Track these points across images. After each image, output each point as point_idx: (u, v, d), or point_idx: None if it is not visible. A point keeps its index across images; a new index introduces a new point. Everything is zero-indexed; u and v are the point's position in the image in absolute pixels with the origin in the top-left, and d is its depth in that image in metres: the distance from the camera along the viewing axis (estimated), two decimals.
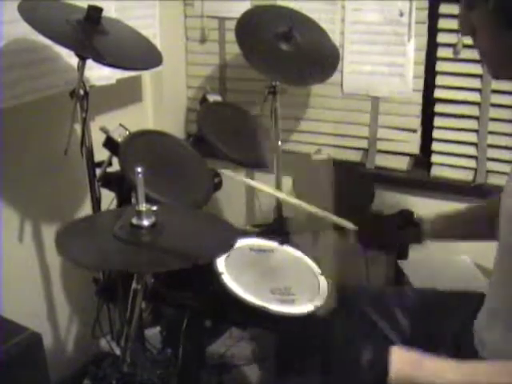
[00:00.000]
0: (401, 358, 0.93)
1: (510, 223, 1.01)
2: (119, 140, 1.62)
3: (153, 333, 1.83)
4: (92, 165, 1.67)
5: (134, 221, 1.16)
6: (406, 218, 1.37)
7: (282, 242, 1.61)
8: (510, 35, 0.93)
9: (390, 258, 2.07)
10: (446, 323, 1.22)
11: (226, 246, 1.21)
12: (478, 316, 1.14)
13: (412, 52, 2.00)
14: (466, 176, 2.02)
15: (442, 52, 1.97)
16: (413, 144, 2.09)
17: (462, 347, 1.13)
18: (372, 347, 0.93)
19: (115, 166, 1.66)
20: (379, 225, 1.44)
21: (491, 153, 1.97)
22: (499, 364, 0.92)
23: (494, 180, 1.97)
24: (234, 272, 1.42)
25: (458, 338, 1.15)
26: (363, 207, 1.96)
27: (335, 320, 0.98)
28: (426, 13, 1.96)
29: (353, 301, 1.29)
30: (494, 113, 1.94)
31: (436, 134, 2.05)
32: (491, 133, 1.96)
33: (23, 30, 1.45)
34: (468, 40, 1.89)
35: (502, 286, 1.06)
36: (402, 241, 1.50)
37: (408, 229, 1.36)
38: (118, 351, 1.67)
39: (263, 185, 1.46)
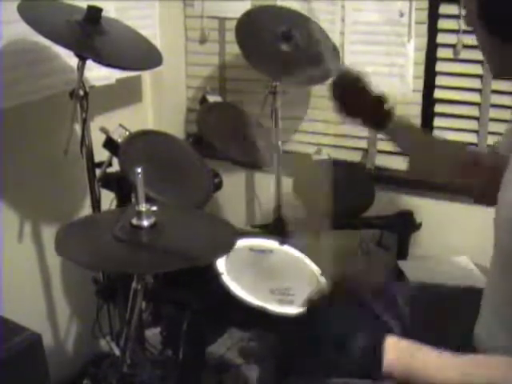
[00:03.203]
0: (395, 346, 0.90)
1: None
2: (119, 140, 1.62)
3: (153, 333, 1.83)
4: (92, 165, 1.67)
5: (134, 221, 1.16)
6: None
7: (282, 242, 1.61)
8: (500, 43, 0.93)
9: (390, 258, 2.07)
10: (448, 320, 1.21)
11: (226, 247, 1.21)
12: (479, 314, 1.14)
13: (412, 52, 2.00)
14: None
15: (441, 52, 1.97)
16: None
17: (463, 345, 1.12)
18: (366, 335, 0.90)
19: (115, 167, 1.66)
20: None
21: None
22: (498, 359, 0.91)
23: None
24: (234, 272, 1.42)
25: (459, 335, 1.15)
26: (363, 207, 1.96)
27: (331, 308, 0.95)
28: (425, 13, 1.96)
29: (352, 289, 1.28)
30: (493, 113, 1.94)
31: (436, 134, 2.05)
32: (491, 133, 1.96)
33: (23, 30, 1.44)
34: (468, 40, 1.91)
35: (501, 283, 1.06)
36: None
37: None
38: (117, 351, 1.67)
39: None
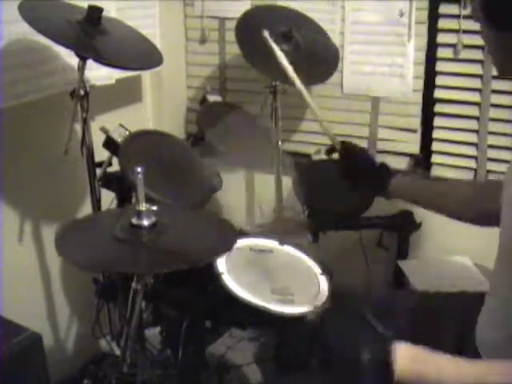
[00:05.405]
0: (406, 354, 0.91)
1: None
2: (119, 140, 1.63)
3: (153, 333, 1.83)
4: (92, 165, 1.67)
5: (134, 221, 1.16)
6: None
7: (281, 242, 1.61)
8: (505, 36, 0.93)
9: (391, 258, 2.07)
10: (447, 325, 1.21)
11: (226, 247, 1.21)
12: (480, 316, 1.14)
13: (412, 52, 2.00)
14: (466, 176, 2.02)
15: (442, 52, 1.97)
16: (413, 144, 2.09)
17: (463, 348, 1.12)
18: (372, 346, 0.92)
19: (115, 166, 1.66)
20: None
21: (491, 153, 1.97)
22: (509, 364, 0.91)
23: None
24: (234, 272, 1.42)
25: (460, 340, 1.15)
26: (363, 207, 1.96)
27: (333, 320, 0.97)
28: (425, 13, 1.96)
29: (352, 302, 1.29)
30: (494, 113, 1.94)
31: (436, 133, 2.05)
32: (491, 133, 1.96)
33: (23, 30, 1.45)
34: (468, 40, 1.90)
35: (502, 284, 1.06)
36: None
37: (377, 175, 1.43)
38: (117, 351, 1.67)
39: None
